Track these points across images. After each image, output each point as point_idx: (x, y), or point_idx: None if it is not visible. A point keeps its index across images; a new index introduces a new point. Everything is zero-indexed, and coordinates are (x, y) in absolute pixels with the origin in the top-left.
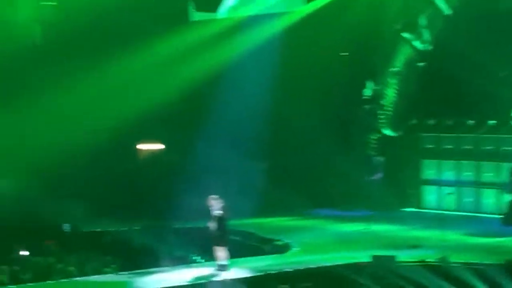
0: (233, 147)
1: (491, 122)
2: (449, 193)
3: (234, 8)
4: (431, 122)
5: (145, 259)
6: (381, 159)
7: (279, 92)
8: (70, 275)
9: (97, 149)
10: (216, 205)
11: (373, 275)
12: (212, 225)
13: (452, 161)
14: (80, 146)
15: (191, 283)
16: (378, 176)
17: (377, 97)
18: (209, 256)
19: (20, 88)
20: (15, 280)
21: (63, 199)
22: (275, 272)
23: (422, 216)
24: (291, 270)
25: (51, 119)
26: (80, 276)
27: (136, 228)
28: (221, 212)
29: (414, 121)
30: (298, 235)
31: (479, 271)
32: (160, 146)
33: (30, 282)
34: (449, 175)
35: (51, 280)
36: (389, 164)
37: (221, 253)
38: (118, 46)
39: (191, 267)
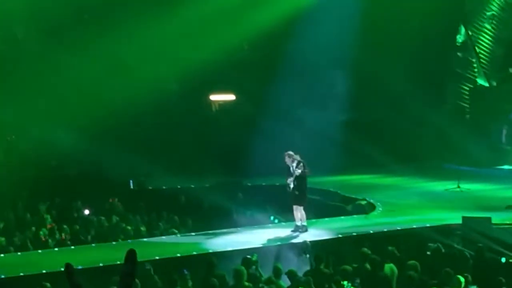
0: (312, 99)
1: None
2: None
3: None
4: None
5: (216, 219)
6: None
7: (362, 40)
8: (136, 235)
9: (166, 101)
10: (293, 162)
11: (464, 238)
12: (290, 182)
13: None
14: (148, 97)
15: (266, 245)
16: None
17: (471, 43)
18: (286, 216)
19: (83, 36)
20: (77, 240)
21: (128, 153)
22: (358, 234)
23: None
24: (375, 232)
25: (117, 68)
26: (147, 237)
27: (206, 185)
28: (300, 169)
29: (511, 70)
30: (384, 194)
31: None
32: (232, 97)
33: (93, 243)
34: None
35: (115, 241)
36: (484, 118)
37: (299, 212)
38: None
39: (266, 227)
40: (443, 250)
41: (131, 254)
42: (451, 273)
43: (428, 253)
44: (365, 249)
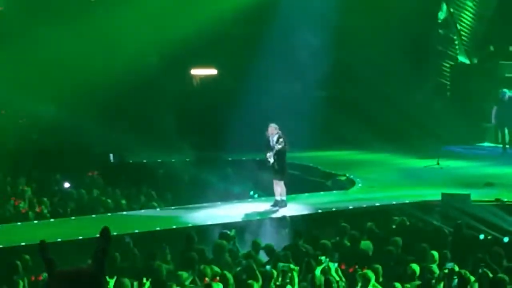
0: (293, 75)
1: None
2: None
3: None
4: (511, 48)
5: (196, 193)
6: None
7: (344, 19)
8: (115, 209)
9: (146, 74)
10: (275, 135)
11: (443, 215)
12: (270, 157)
13: None
14: (129, 71)
15: (245, 220)
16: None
17: (452, 20)
18: (266, 191)
19: (64, 9)
20: (56, 213)
21: (109, 127)
22: (337, 209)
23: (499, 152)
24: (354, 207)
25: (98, 42)
26: (126, 211)
27: (187, 159)
28: (280, 144)
29: (492, 48)
30: (363, 170)
31: None
32: (213, 71)
33: (72, 216)
34: None
35: (95, 214)
36: (465, 95)
37: (279, 187)
38: None
39: (246, 202)
40: (407, 223)
41: (105, 231)
42: (427, 249)
43: (394, 226)
44: (344, 224)
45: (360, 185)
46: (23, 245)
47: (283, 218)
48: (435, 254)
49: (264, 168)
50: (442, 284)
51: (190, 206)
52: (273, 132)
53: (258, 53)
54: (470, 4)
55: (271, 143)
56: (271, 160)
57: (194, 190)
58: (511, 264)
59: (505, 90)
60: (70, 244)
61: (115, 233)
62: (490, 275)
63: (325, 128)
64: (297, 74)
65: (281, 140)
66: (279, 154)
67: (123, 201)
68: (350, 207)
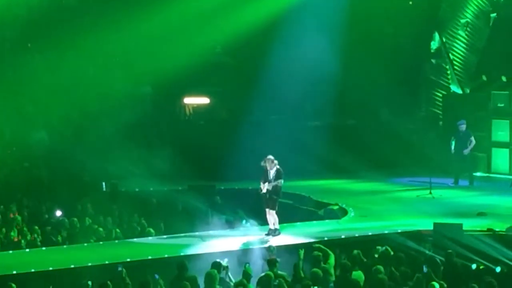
0: (286, 104)
1: None
2: None
3: None
4: (503, 78)
5: (188, 222)
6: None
7: (337, 47)
8: (107, 237)
9: (139, 103)
10: (274, 168)
11: (435, 244)
12: (264, 187)
13: None
14: (122, 99)
15: (237, 249)
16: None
17: (444, 50)
18: (259, 220)
19: (57, 37)
20: (48, 241)
21: (101, 155)
22: (329, 238)
23: (491, 181)
24: (346, 237)
25: (90, 70)
26: (118, 239)
27: (179, 188)
28: (279, 178)
29: (484, 77)
30: (356, 199)
31: None
32: (206, 100)
33: (64, 244)
34: None
35: (87, 243)
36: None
37: (272, 217)
38: None
39: (238, 231)
40: (391, 253)
41: None
42: (421, 279)
43: (376, 256)
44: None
45: (352, 214)
46: (14, 274)
47: (269, 247)
48: (436, 285)
49: (257, 197)
50: None
51: (182, 235)
52: (271, 165)
53: (251, 82)
54: (462, 34)
55: (269, 176)
56: (264, 190)
57: (186, 219)
58: None
59: (463, 121)
60: (62, 272)
61: (107, 262)
62: None
63: (317, 157)
64: (290, 104)
65: (280, 174)
66: (277, 186)
67: (115, 230)
68: (342, 237)
